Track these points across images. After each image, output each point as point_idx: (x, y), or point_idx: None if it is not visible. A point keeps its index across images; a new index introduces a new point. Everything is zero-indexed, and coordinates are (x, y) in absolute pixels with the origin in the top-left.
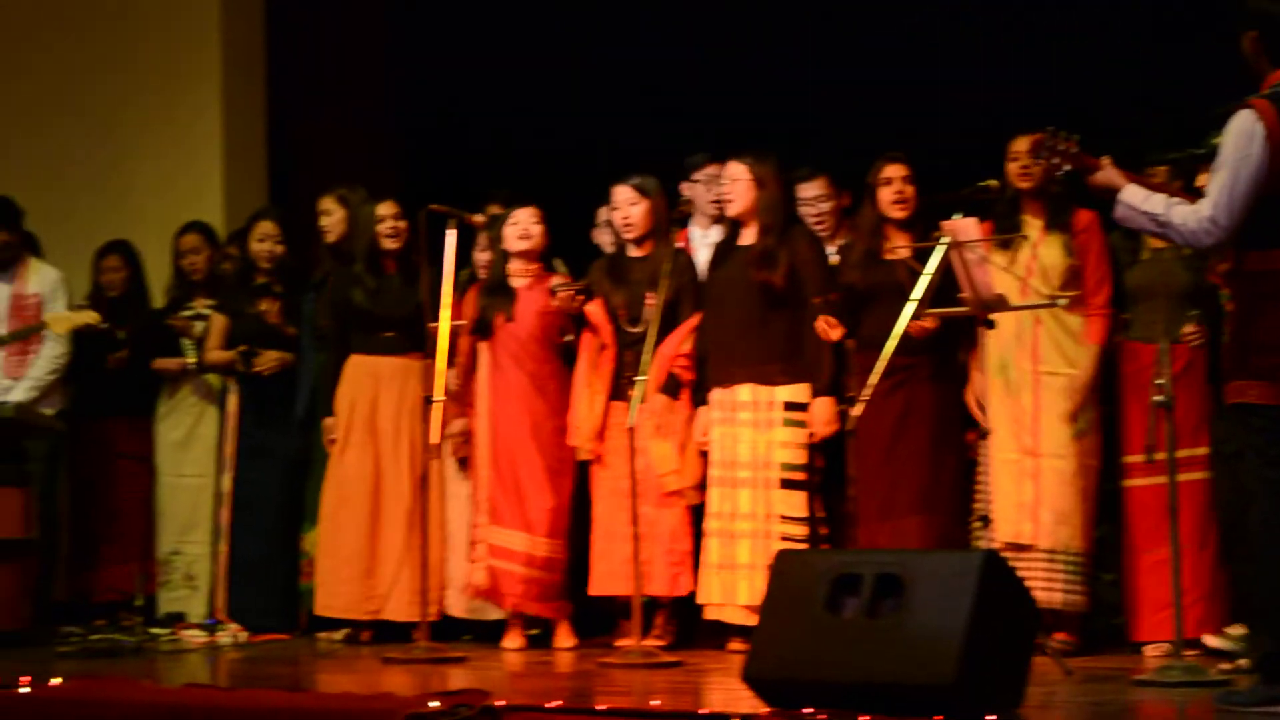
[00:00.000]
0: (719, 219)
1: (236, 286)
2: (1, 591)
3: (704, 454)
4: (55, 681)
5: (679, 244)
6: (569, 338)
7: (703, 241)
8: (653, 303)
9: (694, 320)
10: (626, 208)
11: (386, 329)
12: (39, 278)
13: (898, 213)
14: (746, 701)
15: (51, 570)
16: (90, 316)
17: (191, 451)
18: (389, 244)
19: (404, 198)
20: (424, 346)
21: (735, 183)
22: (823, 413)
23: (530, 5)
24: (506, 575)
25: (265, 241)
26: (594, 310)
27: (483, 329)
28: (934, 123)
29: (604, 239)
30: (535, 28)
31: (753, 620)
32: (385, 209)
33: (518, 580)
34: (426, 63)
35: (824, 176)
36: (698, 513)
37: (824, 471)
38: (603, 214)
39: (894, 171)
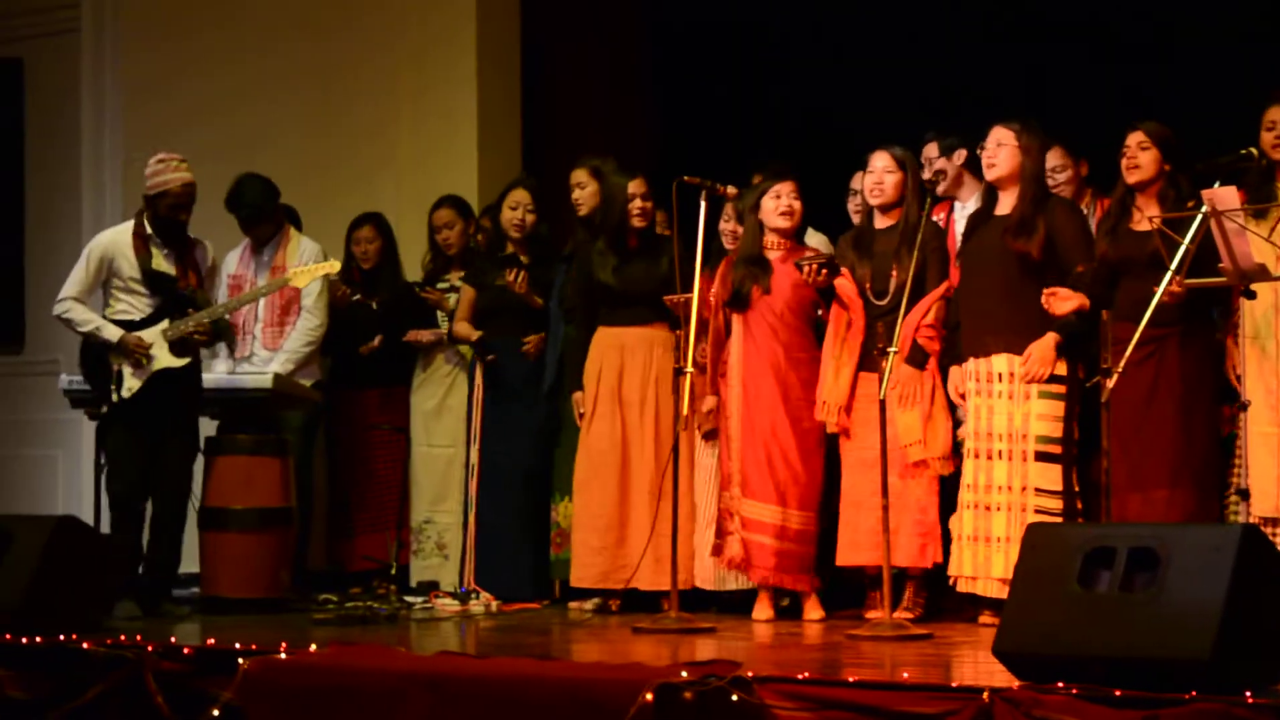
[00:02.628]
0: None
1: (485, 257)
2: (261, 560)
3: (952, 424)
4: (312, 648)
5: (938, 217)
6: (820, 312)
7: (961, 213)
8: (898, 275)
9: (940, 289)
10: (882, 174)
11: (632, 303)
12: (299, 251)
13: (1130, 178)
14: (998, 675)
15: (308, 539)
16: (330, 266)
17: (443, 421)
18: (637, 222)
19: (656, 169)
20: (669, 317)
21: (1000, 147)
22: (1040, 351)
23: None
24: (758, 547)
25: (517, 210)
26: (842, 284)
27: (738, 301)
28: (1184, 90)
29: (854, 207)
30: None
31: (1005, 593)
32: (635, 186)
33: (770, 552)
34: (682, 33)
35: (1061, 145)
36: (945, 484)
37: (1080, 444)
38: (856, 183)
39: (1132, 139)
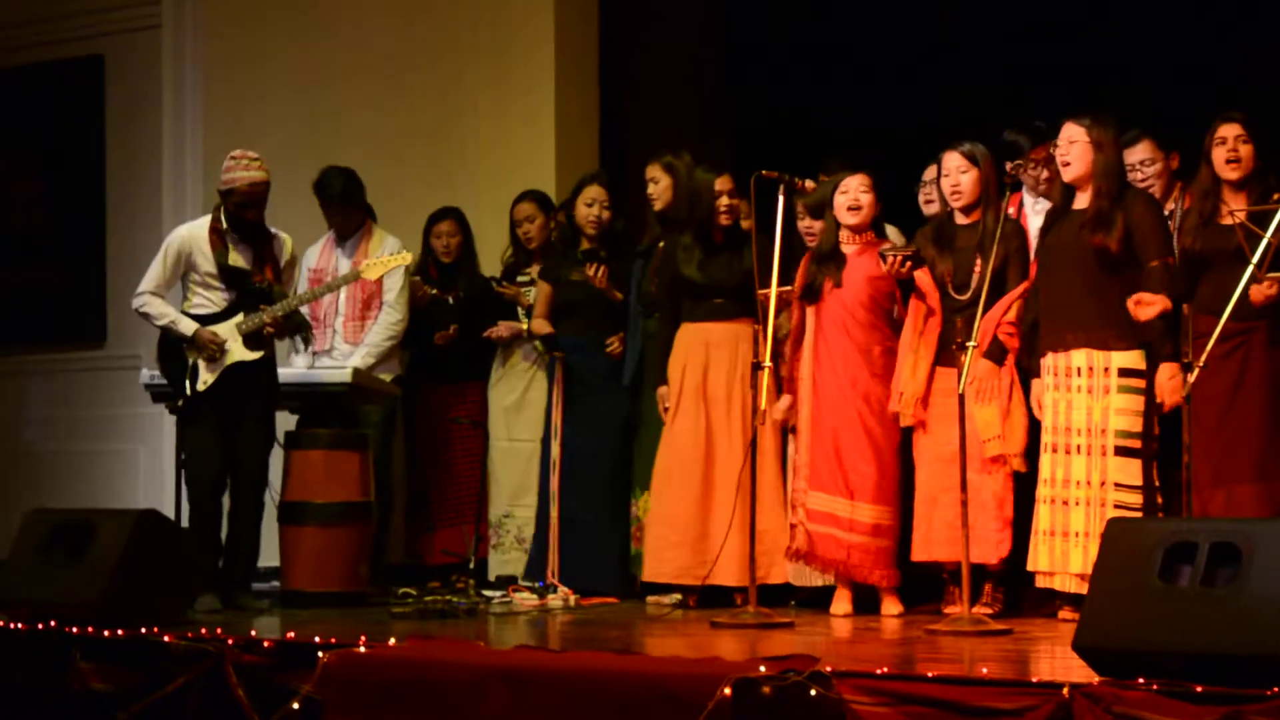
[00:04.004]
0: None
1: (561, 253)
2: (340, 554)
3: (1030, 421)
4: (391, 642)
5: (1010, 209)
6: (897, 314)
7: (1034, 209)
8: (979, 271)
9: (1021, 288)
10: (956, 175)
11: (716, 297)
12: (380, 246)
13: (1231, 173)
14: (1077, 670)
15: (386, 533)
16: (403, 259)
17: (523, 416)
18: (724, 220)
19: (730, 164)
20: (754, 311)
21: (1072, 145)
22: (1167, 380)
23: None
24: (826, 540)
25: (593, 206)
26: (921, 277)
27: (811, 294)
28: (1272, 80)
29: (926, 200)
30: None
31: (1084, 588)
32: (722, 184)
33: (839, 545)
34: (757, 27)
35: (1150, 139)
36: (1021, 479)
37: (1161, 439)
38: (928, 174)
39: (1228, 131)
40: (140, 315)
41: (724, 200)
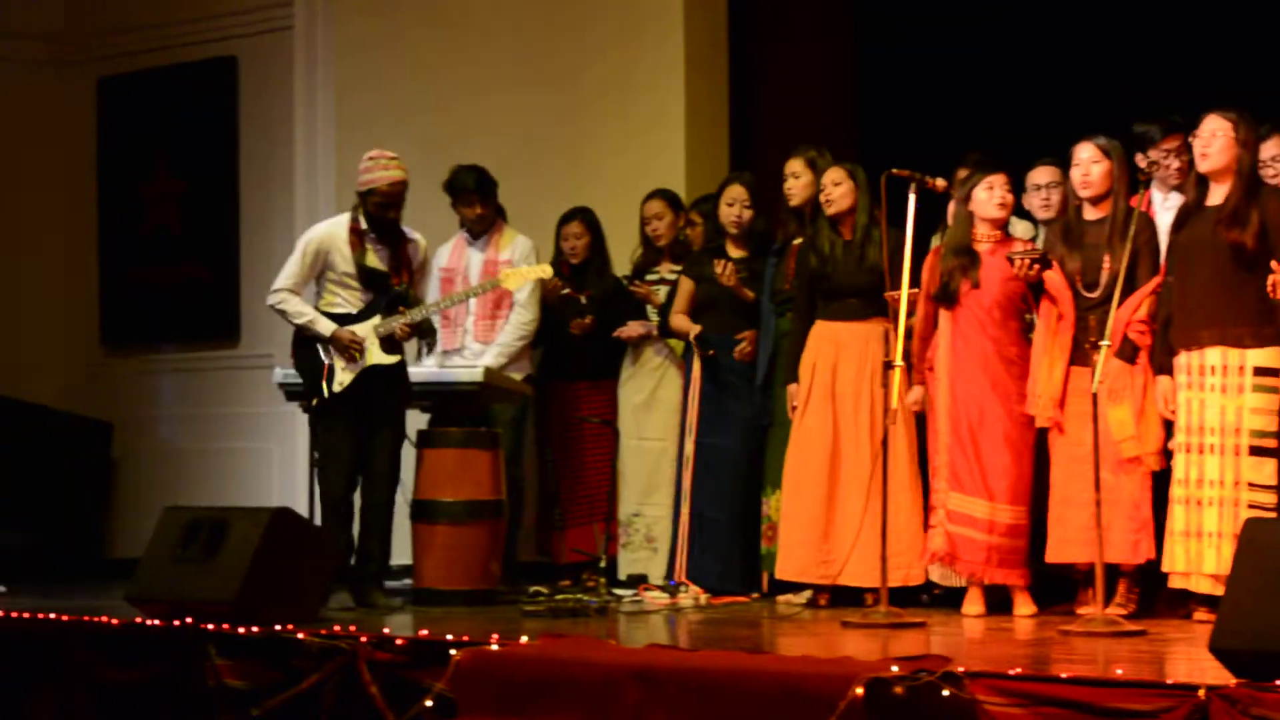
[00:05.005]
0: (1178, 187)
1: (703, 251)
2: (471, 552)
3: (1165, 420)
4: (523, 640)
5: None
6: (1030, 317)
7: (1163, 206)
8: (1109, 267)
9: (1152, 284)
10: (1088, 165)
11: (847, 296)
12: (511, 245)
13: None
14: (1213, 672)
15: (517, 531)
16: (543, 270)
17: (653, 415)
18: (828, 208)
19: (862, 160)
20: (885, 311)
21: (1214, 138)
22: None
23: None
24: (967, 542)
25: (734, 206)
26: (1051, 277)
27: (946, 296)
28: None
29: (1032, 202)
30: None
31: (1219, 589)
32: (830, 175)
33: (979, 547)
34: (888, 24)
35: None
36: (1159, 479)
37: None
38: (1032, 178)
39: None
40: (276, 312)
41: (828, 188)
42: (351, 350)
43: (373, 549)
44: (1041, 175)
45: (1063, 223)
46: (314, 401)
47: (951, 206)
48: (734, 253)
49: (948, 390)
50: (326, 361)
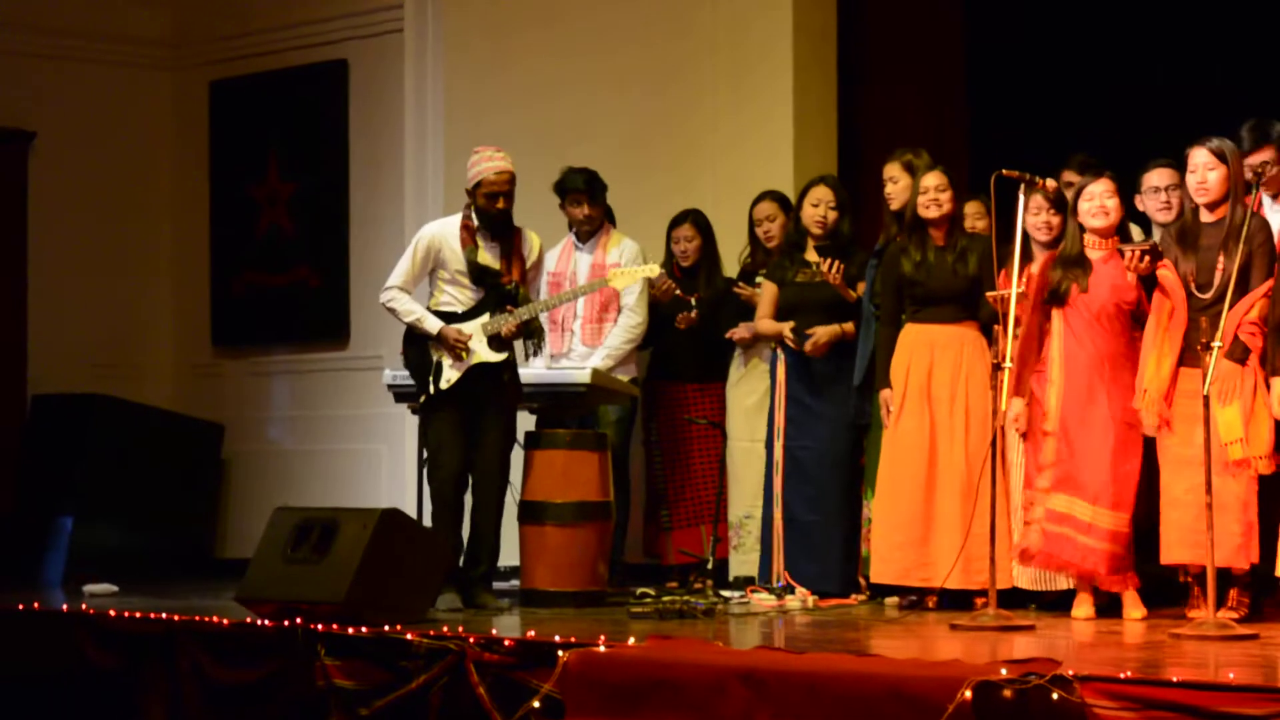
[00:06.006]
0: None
1: (784, 254)
2: (579, 553)
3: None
4: (630, 641)
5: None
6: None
7: (1272, 208)
8: (1223, 269)
9: (1265, 286)
10: (1204, 171)
11: (941, 301)
12: (619, 248)
13: None
14: None
15: (625, 532)
16: (650, 270)
17: (764, 416)
18: (928, 213)
19: (970, 162)
20: (978, 315)
21: None
22: None
23: None
24: (1067, 543)
25: (818, 207)
26: (1165, 274)
27: (1056, 298)
28: None
29: (1150, 205)
30: None
31: None
32: (930, 179)
33: (1079, 548)
34: (998, 25)
35: None
36: (1265, 482)
37: None
38: (1149, 180)
39: None
40: (387, 310)
41: (930, 194)
42: (458, 348)
43: (482, 549)
44: (1159, 178)
45: (1179, 225)
46: (422, 398)
47: (1037, 199)
48: (811, 256)
49: (1060, 391)
50: (435, 359)
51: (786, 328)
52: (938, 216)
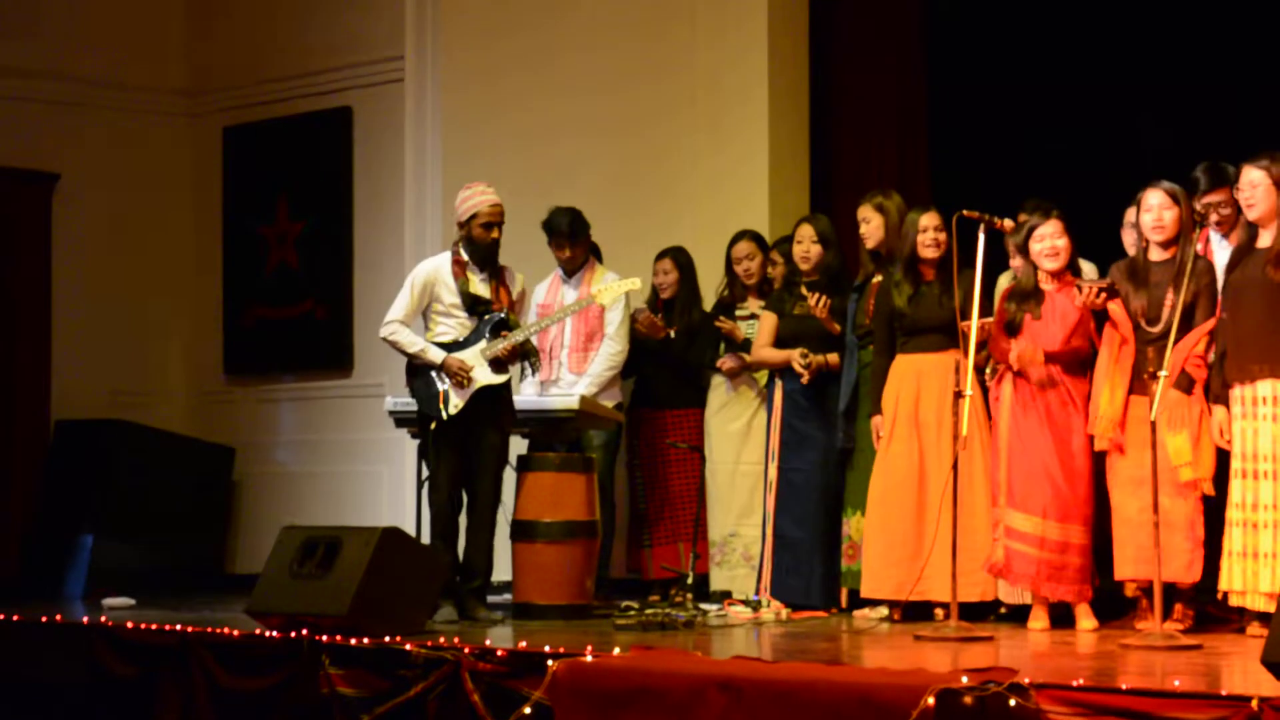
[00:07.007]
0: (1227, 234)
1: (784, 289)
2: (567, 569)
3: (1219, 448)
4: (616, 651)
5: (1200, 245)
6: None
7: (1219, 245)
8: (1171, 304)
9: (1210, 323)
10: (1159, 211)
11: (926, 331)
12: (602, 282)
13: None
14: (1266, 684)
15: (610, 549)
16: (632, 284)
17: (750, 441)
18: (928, 253)
19: (935, 203)
20: (960, 344)
21: (1255, 187)
22: None
23: (1064, 18)
24: (1020, 556)
25: (803, 243)
26: (1115, 308)
27: (1011, 328)
28: None
29: (1130, 239)
30: (1069, 38)
31: (1274, 606)
32: (928, 220)
33: (1029, 561)
34: (960, 74)
35: None
36: (1208, 503)
37: None
38: (1130, 215)
39: None
40: (388, 343)
41: (929, 234)
42: (461, 376)
43: (476, 565)
44: (1154, 197)
45: (1128, 262)
46: (432, 425)
47: (1010, 247)
48: (804, 290)
49: (1010, 415)
50: (442, 388)
51: (797, 354)
52: (936, 256)
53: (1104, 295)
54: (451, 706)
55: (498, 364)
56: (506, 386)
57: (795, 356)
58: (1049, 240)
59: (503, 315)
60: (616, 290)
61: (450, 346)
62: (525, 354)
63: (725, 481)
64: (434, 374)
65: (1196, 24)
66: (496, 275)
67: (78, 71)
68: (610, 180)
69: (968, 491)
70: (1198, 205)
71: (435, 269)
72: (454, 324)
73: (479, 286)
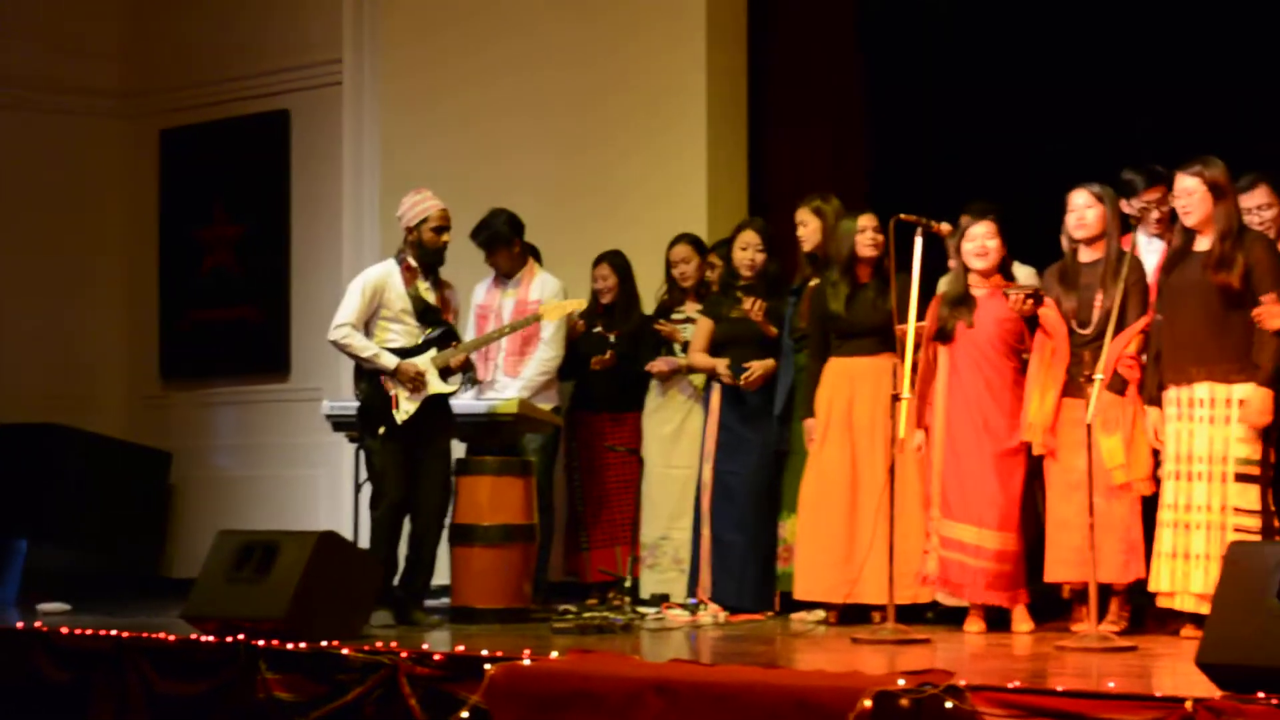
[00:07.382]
0: (1160, 235)
1: (720, 292)
2: (506, 573)
3: (1153, 448)
4: (553, 655)
5: (1125, 246)
6: (1025, 356)
7: (1148, 247)
8: (1101, 306)
9: (1141, 323)
10: (1082, 210)
11: (861, 335)
12: (541, 285)
13: None
14: (1200, 685)
15: (548, 553)
16: (578, 304)
17: (680, 444)
18: (866, 253)
19: (872, 207)
20: (895, 347)
21: (1190, 195)
22: (1259, 403)
23: (997, 25)
24: (958, 566)
25: (747, 250)
26: (1046, 313)
27: (944, 336)
28: None
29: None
30: (1002, 44)
31: (1204, 608)
32: (865, 220)
33: (968, 571)
34: (896, 80)
35: (1265, 184)
36: (1148, 502)
37: (1277, 466)
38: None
39: None
40: (338, 347)
41: (867, 234)
42: (415, 382)
43: (418, 570)
44: (1250, 198)
45: (1059, 266)
46: (381, 430)
47: (952, 249)
48: (740, 294)
49: (943, 423)
50: (391, 393)
51: (722, 364)
52: (874, 255)
53: (1030, 301)
54: (389, 710)
55: (446, 372)
56: (449, 396)
57: (719, 367)
58: (980, 240)
59: (451, 326)
60: (563, 309)
61: (400, 353)
62: (465, 366)
63: (656, 485)
64: (384, 379)
65: (1139, 24)
66: (439, 283)
67: (11, 72)
68: (552, 188)
69: (901, 495)
70: (1136, 205)
71: (385, 274)
72: (402, 330)
73: (428, 294)
